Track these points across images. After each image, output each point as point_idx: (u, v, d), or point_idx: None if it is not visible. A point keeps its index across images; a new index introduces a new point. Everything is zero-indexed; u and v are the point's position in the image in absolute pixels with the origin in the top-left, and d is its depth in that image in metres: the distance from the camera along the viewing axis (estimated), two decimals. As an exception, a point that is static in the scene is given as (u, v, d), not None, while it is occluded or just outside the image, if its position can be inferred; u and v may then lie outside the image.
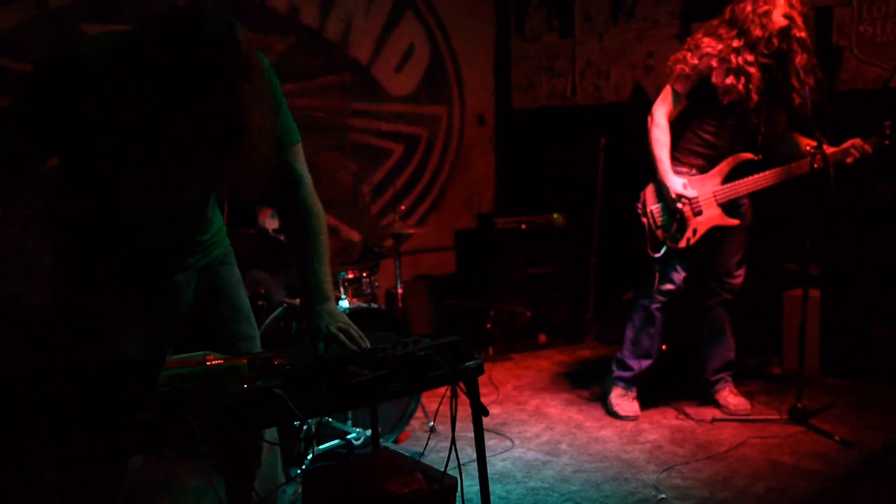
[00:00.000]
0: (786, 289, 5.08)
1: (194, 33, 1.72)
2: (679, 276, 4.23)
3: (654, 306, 4.30)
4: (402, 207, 4.82)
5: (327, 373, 2.02)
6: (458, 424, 4.21)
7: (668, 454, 3.82)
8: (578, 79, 6.45)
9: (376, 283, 4.51)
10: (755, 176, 4.16)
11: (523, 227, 5.90)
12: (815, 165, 4.01)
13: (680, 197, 4.10)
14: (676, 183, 4.10)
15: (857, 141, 4.08)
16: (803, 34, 3.98)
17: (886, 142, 4.06)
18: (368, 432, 3.83)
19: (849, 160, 4.07)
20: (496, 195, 7.03)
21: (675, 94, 4.12)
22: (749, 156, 4.16)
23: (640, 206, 4.27)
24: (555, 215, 6.01)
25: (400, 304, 4.67)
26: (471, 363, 2.18)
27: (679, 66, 4.10)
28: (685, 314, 4.78)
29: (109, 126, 1.81)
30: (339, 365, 2.05)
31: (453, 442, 2.17)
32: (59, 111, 1.85)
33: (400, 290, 4.64)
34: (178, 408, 1.80)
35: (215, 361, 2.10)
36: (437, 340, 2.16)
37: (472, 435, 2.28)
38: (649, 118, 4.16)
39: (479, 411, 2.22)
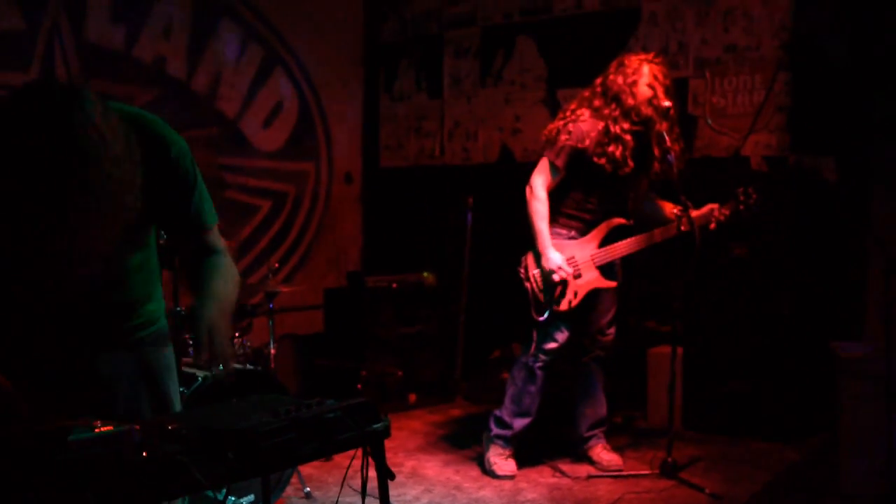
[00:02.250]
0: (648, 346, 5.26)
1: (39, 104, 1.70)
2: (562, 335, 4.31)
3: (536, 365, 4.35)
4: (276, 265, 4.70)
5: (232, 438, 1.91)
6: (333, 489, 4.12)
7: (549, 512, 3.84)
8: (447, 139, 6.55)
9: (248, 344, 4.37)
10: (628, 240, 4.33)
11: (394, 286, 5.88)
12: (682, 228, 4.20)
13: (556, 272, 4.19)
14: (556, 258, 4.20)
15: (715, 206, 4.32)
16: (667, 103, 4.19)
17: (741, 206, 4.32)
18: (243, 500, 3.67)
19: (711, 226, 4.30)
20: (363, 253, 7.00)
21: (554, 167, 4.24)
22: (622, 221, 4.34)
23: (522, 270, 4.33)
24: (425, 274, 6.03)
25: (273, 365, 4.53)
26: (378, 425, 2.12)
27: (560, 140, 4.22)
28: (555, 372, 4.85)
29: None
30: (242, 430, 1.94)
31: (363, 507, 2.09)
32: None
33: (273, 350, 4.51)
34: (77, 480, 1.66)
35: (104, 428, 1.95)
36: (346, 402, 2.09)
37: (352, 500, 2.20)
38: (528, 189, 4.25)
39: (385, 474, 2.15)
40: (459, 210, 6.33)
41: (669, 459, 4.20)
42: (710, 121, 5.30)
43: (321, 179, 6.65)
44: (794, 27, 5.01)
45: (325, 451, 2.04)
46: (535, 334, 4.34)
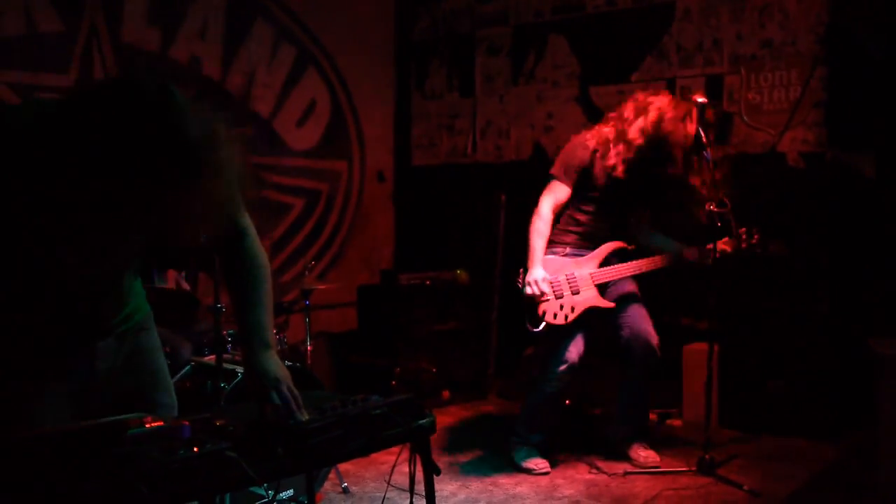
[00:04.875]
0: (684, 343, 5.24)
1: (132, 102, 1.63)
2: (572, 355, 4.31)
3: (549, 388, 4.37)
4: (313, 262, 4.74)
5: (281, 433, 1.94)
6: (371, 484, 4.15)
7: (587, 509, 3.84)
8: (479, 137, 6.56)
9: (285, 340, 4.41)
10: (630, 263, 4.38)
11: (428, 283, 5.90)
12: (688, 256, 4.31)
13: (535, 286, 4.20)
14: (537, 274, 4.22)
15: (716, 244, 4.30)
16: (682, 139, 4.17)
17: (743, 245, 4.33)
18: (282, 495, 3.70)
19: (709, 261, 4.29)
20: (395, 252, 7.03)
21: (561, 185, 4.31)
22: (623, 244, 4.40)
23: (520, 280, 4.34)
24: (458, 271, 6.04)
25: (309, 361, 4.57)
26: (424, 421, 2.14)
27: (568, 157, 4.30)
28: (594, 370, 4.85)
29: (37, 199, 1.72)
30: (292, 426, 1.97)
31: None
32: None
33: (310, 347, 4.54)
34: (128, 474, 1.69)
35: (154, 423, 1.99)
36: (391, 398, 2.11)
37: (390, 495, 2.21)
38: (536, 209, 4.30)
39: (430, 470, 2.17)
40: (492, 208, 6.35)
41: (707, 456, 4.19)
42: (745, 117, 5.27)
43: (354, 178, 6.68)
44: (830, 21, 4.97)
45: (371, 448, 2.06)
46: (546, 355, 4.38)
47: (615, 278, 4.36)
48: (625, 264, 4.37)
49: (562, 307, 4.26)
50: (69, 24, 4.86)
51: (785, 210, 5.07)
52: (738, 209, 4.24)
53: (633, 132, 4.14)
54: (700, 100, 4.21)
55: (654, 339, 4.38)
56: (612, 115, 4.32)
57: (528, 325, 4.28)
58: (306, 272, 4.59)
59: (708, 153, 4.17)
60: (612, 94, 5.74)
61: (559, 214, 4.37)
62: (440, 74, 6.76)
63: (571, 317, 4.27)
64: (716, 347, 4.92)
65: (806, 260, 5.02)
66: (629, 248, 4.43)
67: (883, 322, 4.96)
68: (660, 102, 4.16)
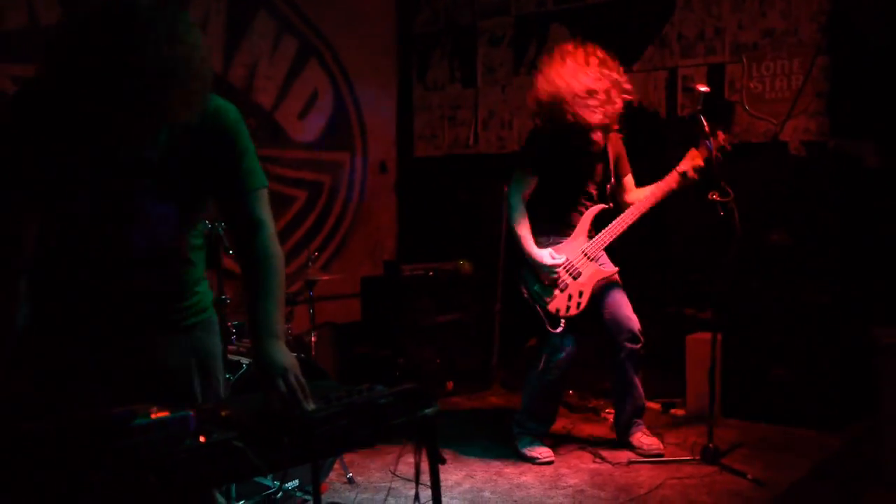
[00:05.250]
0: (686, 333, 5.24)
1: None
2: (569, 345, 4.33)
3: (548, 378, 4.39)
4: (316, 254, 4.75)
5: (287, 423, 1.95)
6: (376, 475, 4.16)
7: (591, 498, 3.85)
8: (481, 128, 6.56)
9: (290, 331, 4.42)
10: (616, 219, 4.35)
11: (431, 274, 5.90)
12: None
13: (552, 268, 4.19)
14: (542, 253, 4.23)
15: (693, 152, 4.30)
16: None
17: (715, 152, 4.22)
18: (288, 485, 3.72)
19: (691, 174, 4.28)
20: (398, 243, 7.03)
21: (523, 174, 4.37)
22: (602, 206, 4.40)
23: (524, 291, 4.34)
24: (461, 262, 6.05)
25: (313, 352, 4.58)
26: (429, 410, 2.15)
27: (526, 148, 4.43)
28: (590, 362, 4.86)
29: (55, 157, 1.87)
30: (297, 416, 1.98)
31: (417, 497, 2.12)
32: (38, 142, 1.89)
33: (314, 338, 4.55)
34: (137, 464, 1.70)
35: (160, 413, 1.99)
36: (396, 388, 2.12)
37: (395, 485, 2.22)
38: (504, 206, 4.31)
39: (436, 459, 2.18)
40: (494, 198, 6.34)
41: (711, 445, 4.20)
42: (747, 106, 5.27)
43: (356, 169, 6.68)
44: (832, 10, 4.96)
45: (377, 437, 2.07)
46: (544, 347, 4.38)
47: (610, 240, 4.34)
48: (613, 222, 4.34)
49: (570, 297, 4.26)
50: (71, 17, 4.86)
51: (787, 199, 5.07)
52: (740, 198, 4.23)
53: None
54: (702, 89, 4.21)
55: (636, 323, 4.38)
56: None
57: (548, 329, 4.28)
58: (310, 263, 4.60)
59: (710, 142, 4.18)
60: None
61: (532, 209, 4.35)
62: (442, 65, 6.76)
63: (583, 303, 4.27)
64: (719, 337, 4.94)
65: (808, 249, 5.02)
66: (608, 206, 4.40)
67: (885, 311, 4.97)
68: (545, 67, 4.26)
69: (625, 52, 5.68)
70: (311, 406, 2.00)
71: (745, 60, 5.27)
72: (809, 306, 4.98)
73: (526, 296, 4.32)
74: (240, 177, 2.17)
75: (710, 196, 4.25)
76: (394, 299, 5.84)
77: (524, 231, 4.27)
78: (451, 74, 6.71)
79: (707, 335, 4.51)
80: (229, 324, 3.97)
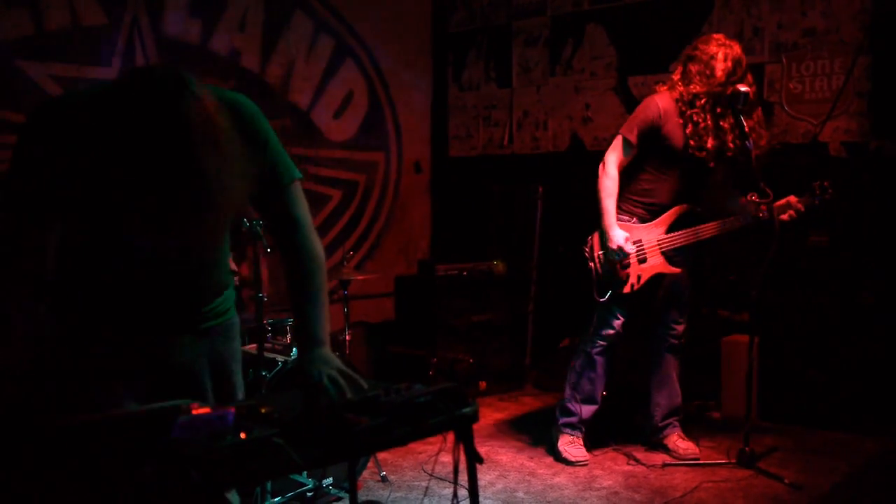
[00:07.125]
0: (722, 335, 5.20)
1: (146, 89, 1.71)
2: (618, 321, 4.30)
3: (594, 350, 4.36)
4: (351, 253, 4.77)
5: (327, 421, 1.96)
6: (409, 473, 4.17)
7: (625, 500, 3.83)
8: (516, 129, 6.55)
9: (325, 330, 4.43)
10: (698, 227, 4.28)
11: (465, 274, 5.91)
12: (761, 216, 4.14)
13: (619, 251, 4.16)
14: (619, 236, 4.17)
15: (792, 198, 4.24)
16: (744, 88, 4.10)
17: (816, 201, 4.24)
18: (322, 483, 3.74)
19: (784, 216, 4.21)
20: (432, 242, 7.04)
21: (627, 143, 4.21)
22: (691, 207, 4.30)
23: (587, 249, 4.32)
24: (495, 262, 6.04)
25: (347, 351, 4.60)
26: (468, 409, 2.14)
27: (636, 115, 4.21)
28: (626, 362, 4.84)
29: (95, 174, 1.78)
30: (337, 412, 1.99)
31: (455, 495, 2.12)
32: (57, 156, 1.82)
33: (348, 337, 4.57)
34: (179, 462, 1.72)
35: (201, 410, 2.01)
36: (434, 386, 2.12)
37: (426, 484, 2.22)
38: (601, 166, 4.23)
39: (474, 458, 2.18)
40: (529, 199, 6.35)
41: (747, 449, 4.16)
42: (786, 107, 5.21)
43: (391, 169, 6.70)
44: (874, 9, 4.89)
45: (416, 435, 2.07)
46: (594, 319, 4.35)
47: (684, 243, 4.27)
48: (693, 228, 4.27)
49: (628, 276, 4.24)
50: (112, 16, 4.92)
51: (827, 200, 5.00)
52: (780, 199, 4.19)
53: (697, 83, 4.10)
54: (743, 89, 4.16)
55: (682, 325, 4.35)
56: (675, 76, 4.26)
57: (594, 295, 4.26)
58: (344, 262, 4.62)
59: (749, 142, 4.13)
60: (650, 84, 5.67)
61: (626, 176, 4.28)
62: (477, 66, 6.75)
63: (637, 285, 4.24)
64: (756, 340, 4.89)
65: (849, 251, 4.96)
66: (697, 210, 4.32)
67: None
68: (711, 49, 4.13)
69: (662, 53, 5.68)
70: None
71: (784, 60, 5.21)
72: (849, 308, 4.91)
73: (587, 254, 4.29)
74: (273, 173, 2.12)
75: (748, 197, 4.22)
76: (428, 299, 5.85)
77: (611, 205, 4.18)
78: (487, 74, 6.70)
79: (743, 338, 4.47)
80: (265, 321, 3.99)
